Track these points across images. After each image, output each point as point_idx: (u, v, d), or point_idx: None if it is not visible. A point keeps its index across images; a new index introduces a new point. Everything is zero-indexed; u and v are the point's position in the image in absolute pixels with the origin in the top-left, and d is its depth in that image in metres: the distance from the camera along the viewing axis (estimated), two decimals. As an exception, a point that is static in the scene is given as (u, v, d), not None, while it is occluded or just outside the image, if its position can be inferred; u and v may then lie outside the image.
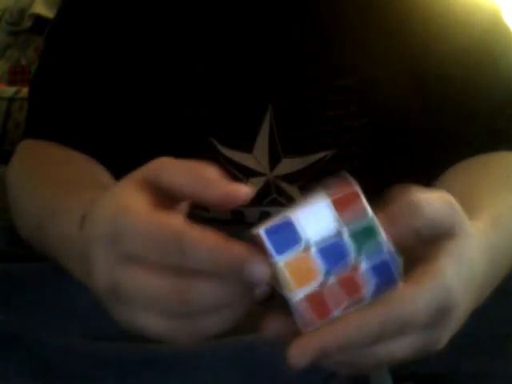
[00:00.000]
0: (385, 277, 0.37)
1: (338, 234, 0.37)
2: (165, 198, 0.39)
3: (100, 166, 0.66)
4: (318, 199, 0.37)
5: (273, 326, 0.38)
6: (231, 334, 0.51)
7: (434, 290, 0.38)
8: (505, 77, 0.68)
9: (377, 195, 0.41)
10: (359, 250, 0.37)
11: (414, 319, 0.38)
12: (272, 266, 0.36)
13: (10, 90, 1.34)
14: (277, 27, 0.70)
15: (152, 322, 0.38)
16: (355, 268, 0.37)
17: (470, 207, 0.47)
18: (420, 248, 0.40)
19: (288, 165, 0.70)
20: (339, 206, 0.37)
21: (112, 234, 0.37)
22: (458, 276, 0.40)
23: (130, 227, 0.37)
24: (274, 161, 0.70)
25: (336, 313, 0.37)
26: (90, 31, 0.71)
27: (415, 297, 0.37)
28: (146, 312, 0.38)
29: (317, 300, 0.37)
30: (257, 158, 0.70)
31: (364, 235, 0.37)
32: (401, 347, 0.39)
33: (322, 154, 0.70)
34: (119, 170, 0.64)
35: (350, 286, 0.37)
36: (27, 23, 1.57)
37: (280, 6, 0.70)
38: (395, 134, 0.71)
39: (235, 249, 0.36)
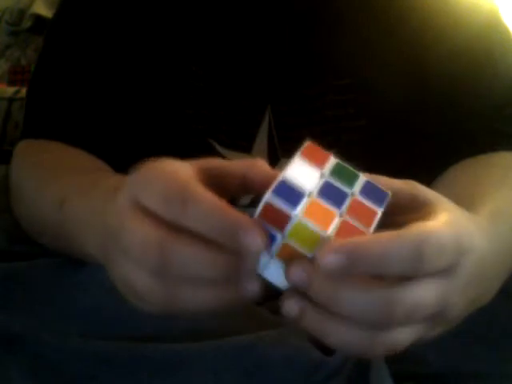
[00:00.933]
0: (376, 193, 0.42)
1: (322, 176, 0.41)
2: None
3: (105, 164, 0.66)
4: (291, 160, 0.42)
5: (297, 272, 0.38)
6: (231, 333, 0.51)
7: (448, 226, 0.39)
8: (504, 77, 0.68)
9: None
10: (344, 183, 0.41)
11: (435, 249, 0.38)
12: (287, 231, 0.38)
13: (9, 90, 1.34)
14: (275, 27, 0.70)
15: (137, 276, 0.39)
16: (353, 197, 0.41)
17: (470, 206, 0.47)
18: None
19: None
20: (307, 157, 0.42)
21: (137, 183, 0.39)
22: (466, 229, 0.41)
23: (151, 176, 0.39)
24: (272, 161, 0.70)
25: None
26: (88, 31, 0.71)
27: (436, 229, 0.38)
28: (135, 265, 0.39)
29: (346, 232, 0.39)
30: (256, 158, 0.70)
31: (338, 171, 0.42)
32: (422, 296, 0.38)
33: None
34: (119, 170, 0.64)
35: (360, 212, 0.40)
36: (27, 23, 1.57)
37: (279, 6, 0.70)
38: (395, 134, 0.71)
39: (235, 213, 0.37)
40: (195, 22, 0.71)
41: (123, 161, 0.64)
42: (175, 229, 0.37)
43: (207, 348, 0.51)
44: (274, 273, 0.39)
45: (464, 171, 0.64)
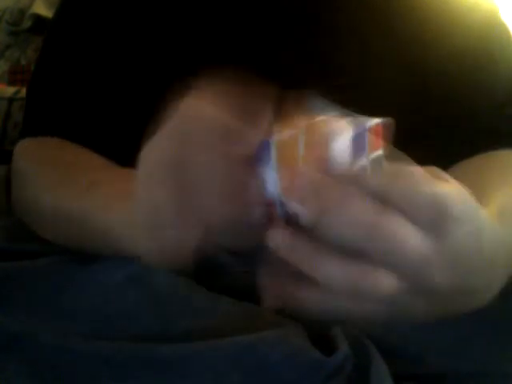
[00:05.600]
0: None
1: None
2: None
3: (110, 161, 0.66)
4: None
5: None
6: (231, 334, 0.51)
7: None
8: (504, 76, 0.68)
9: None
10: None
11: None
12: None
13: (9, 90, 1.34)
14: (275, 27, 0.70)
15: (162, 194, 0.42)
16: None
17: None
18: None
19: None
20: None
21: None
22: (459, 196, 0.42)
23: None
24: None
25: None
26: (88, 31, 0.71)
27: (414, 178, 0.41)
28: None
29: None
30: None
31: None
32: (405, 236, 0.39)
33: None
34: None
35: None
36: (27, 23, 1.57)
37: (279, 7, 0.70)
38: (394, 135, 0.71)
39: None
40: (193, 21, 0.71)
41: (122, 159, 0.65)
42: None
43: (207, 348, 0.51)
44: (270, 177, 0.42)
45: (464, 171, 0.64)
